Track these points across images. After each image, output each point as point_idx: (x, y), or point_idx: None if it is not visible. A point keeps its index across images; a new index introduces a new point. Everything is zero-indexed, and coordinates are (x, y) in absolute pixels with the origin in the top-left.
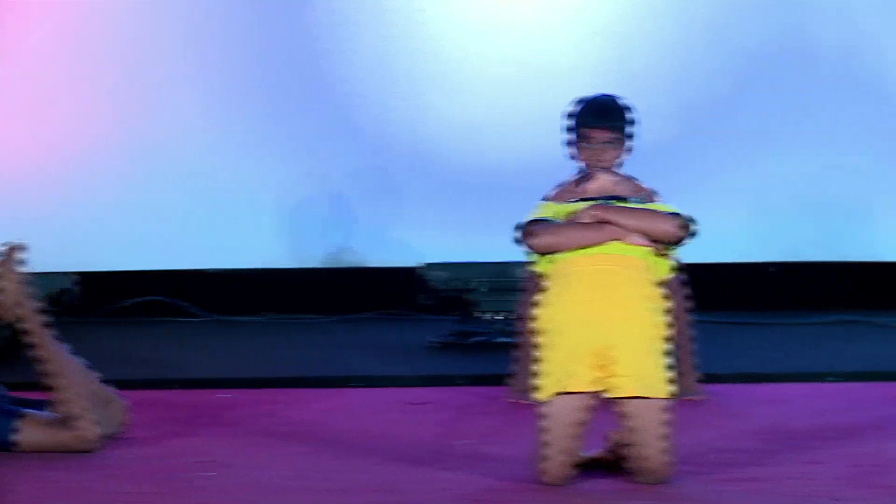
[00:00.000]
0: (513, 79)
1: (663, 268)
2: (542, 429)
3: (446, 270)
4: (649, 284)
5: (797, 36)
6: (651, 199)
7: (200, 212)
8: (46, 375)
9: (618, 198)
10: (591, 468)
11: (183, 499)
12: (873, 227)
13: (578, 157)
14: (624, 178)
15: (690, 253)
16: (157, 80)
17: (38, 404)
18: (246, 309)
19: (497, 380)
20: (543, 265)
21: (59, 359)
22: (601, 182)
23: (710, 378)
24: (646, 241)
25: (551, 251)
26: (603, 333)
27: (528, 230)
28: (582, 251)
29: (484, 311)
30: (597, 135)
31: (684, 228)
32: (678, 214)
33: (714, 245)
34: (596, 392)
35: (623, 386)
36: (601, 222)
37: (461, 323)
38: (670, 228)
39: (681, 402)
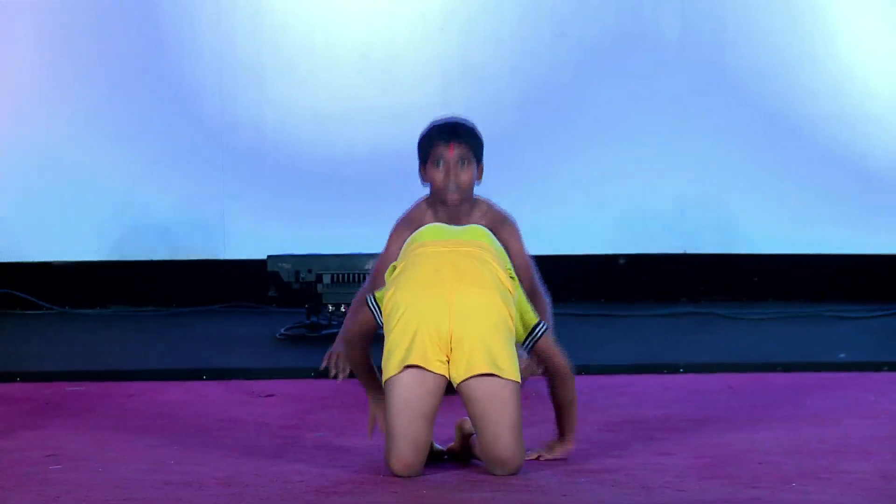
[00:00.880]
0: (358, 69)
1: (530, 319)
2: (391, 417)
3: (293, 262)
4: (499, 269)
5: (641, 25)
6: (512, 230)
7: (44, 203)
8: None
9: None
10: (441, 460)
11: (30, 493)
12: (726, 218)
13: (431, 178)
14: (480, 202)
15: (539, 245)
16: None
17: None
18: (92, 301)
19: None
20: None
21: None
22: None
23: None
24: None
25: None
26: (451, 312)
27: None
28: (437, 236)
29: (331, 303)
30: (450, 153)
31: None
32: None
33: (561, 237)
34: (443, 377)
35: (470, 363)
36: None
37: (309, 315)
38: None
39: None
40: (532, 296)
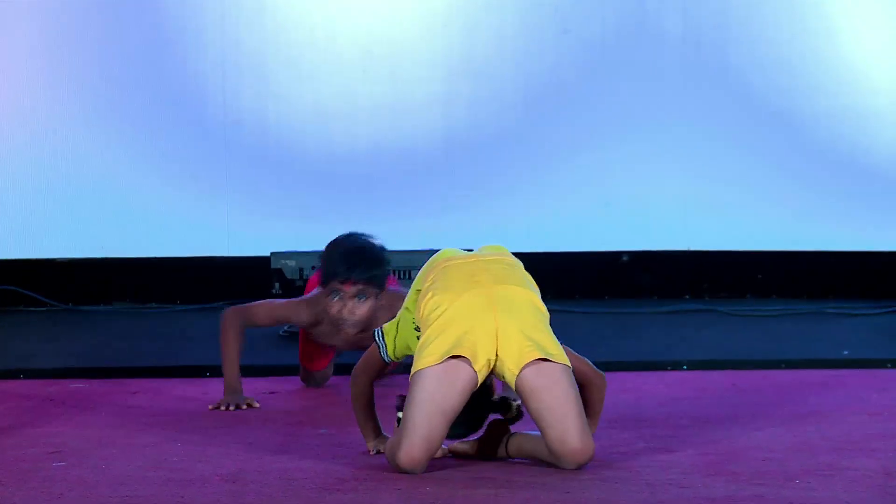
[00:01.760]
0: (361, 66)
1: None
2: (411, 408)
3: (296, 259)
4: (523, 271)
5: (644, 22)
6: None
7: (47, 199)
8: None
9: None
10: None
11: (33, 490)
12: (729, 215)
13: (328, 307)
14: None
15: (542, 242)
16: None
17: None
18: (96, 298)
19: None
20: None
21: None
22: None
23: None
24: None
25: None
26: (495, 309)
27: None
28: (459, 254)
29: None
30: (346, 288)
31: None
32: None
33: (565, 234)
34: (475, 379)
35: (521, 354)
36: None
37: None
38: None
39: None
40: None
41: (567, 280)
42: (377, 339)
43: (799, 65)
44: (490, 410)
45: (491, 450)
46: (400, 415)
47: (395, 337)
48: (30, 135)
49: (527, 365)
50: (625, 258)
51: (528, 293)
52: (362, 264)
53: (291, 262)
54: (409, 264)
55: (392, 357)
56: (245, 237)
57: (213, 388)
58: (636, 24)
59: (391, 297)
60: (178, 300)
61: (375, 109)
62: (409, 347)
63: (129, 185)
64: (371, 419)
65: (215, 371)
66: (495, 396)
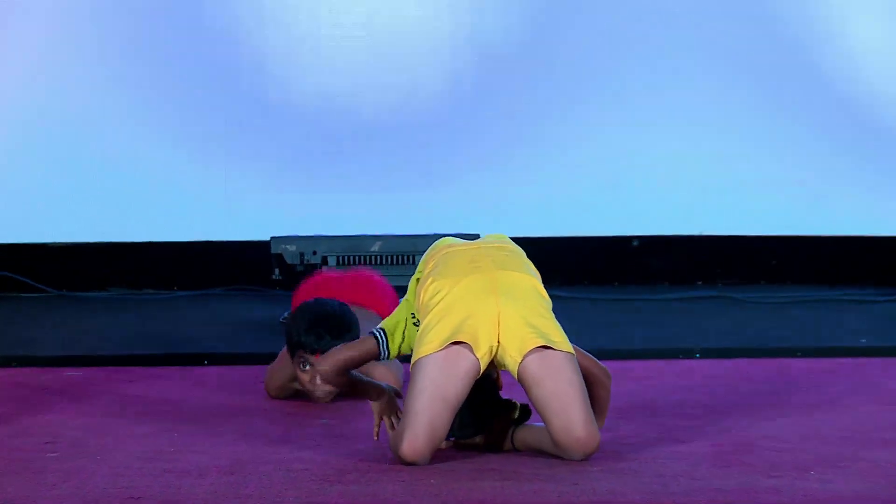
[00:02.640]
0: (364, 44)
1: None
2: (412, 396)
3: (297, 244)
4: (525, 258)
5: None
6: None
7: (39, 183)
8: None
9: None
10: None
11: (28, 481)
12: (743, 199)
13: (297, 377)
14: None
15: (549, 226)
16: None
17: None
18: (90, 284)
19: None
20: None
21: None
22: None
23: None
24: None
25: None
26: (496, 295)
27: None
28: (460, 242)
29: None
30: (316, 358)
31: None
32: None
33: (573, 218)
34: (478, 366)
35: (523, 341)
36: None
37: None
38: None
39: None
40: None
41: (574, 265)
42: (378, 337)
43: (817, 43)
44: (498, 410)
45: (497, 442)
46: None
47: (403, 337)
48: (15, 117)
49: (529, 352)
50: (635, 243)
51: (530, 279)
52: (331, 332)
53: (292, 247)
54: (413, 249)
55: (392, 356)
56: (245, 220)
57: (210, 377)
58: (649, 3)
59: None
60: (175, 286)
61: (379, 88)
62: (410, 346)
63: (124, 166)
64: (364, 384)
65: (213, 359)
66: (507, 399)
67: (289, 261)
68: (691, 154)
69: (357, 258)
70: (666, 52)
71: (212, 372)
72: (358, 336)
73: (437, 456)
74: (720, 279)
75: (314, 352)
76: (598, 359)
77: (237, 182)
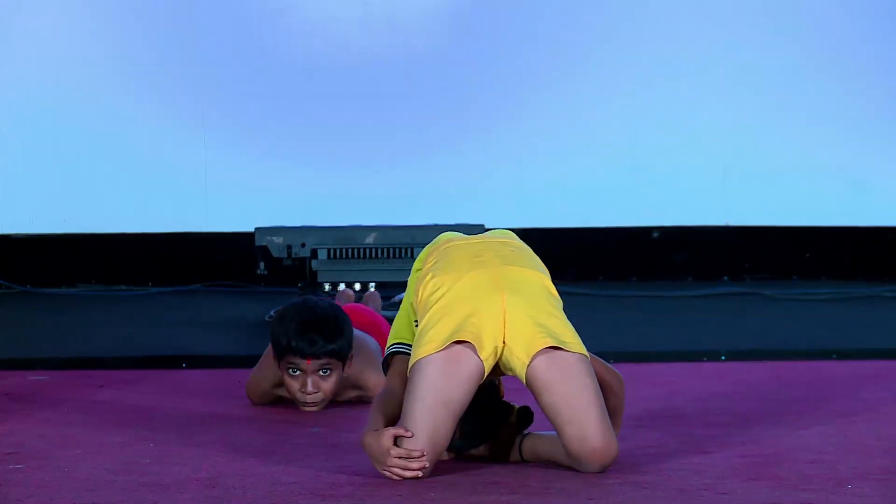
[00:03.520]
0: (357, 17)
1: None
2: (409, 403)
3: (284, 236)
4: (533, 254)
5: None
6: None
7: (1, 170)
8: None
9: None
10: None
11: None
12: (774, 186)
13: (285, 384)
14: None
15: (561, 217)
16: None
17: None
18: (57, 279)
19: None
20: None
21: None
22: None
23: None
24: None
25: None
26: (501, 291)
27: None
28: (462, 237)
29: (328, 282)
30: (307, 364)
31: None
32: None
33: (587, 207)
34: (482, 369)
35: (531, 342)
36: None
37: (303, 294)
38: None
39: None
40: None
41: (589, 259)
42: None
43: (853, 13)
44: (502, 416)
45: (503, 452)
46: None
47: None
48: None
49: (538, 353)
50: (655, 234)
51: (539, 275)
52: (324, 335)
53: (278, 239)
54: (412, 241)
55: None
56: (226, 210)
57: (190, 381)
58: None
59: (358, 367)
60: (150, 281)
61: (373, 65)
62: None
63: (93, 150)
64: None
65: (192, 361)
66: (507, 402)
67: (275, 254)
68: (717, 136)
69: (350, 251)
70: (691, 25)
71: (191, 376)
72: (351, 339)
73: (438, 468)
74: (749, 274)
75: (306, 357)
76: (615, 362)
77: (217, 167)
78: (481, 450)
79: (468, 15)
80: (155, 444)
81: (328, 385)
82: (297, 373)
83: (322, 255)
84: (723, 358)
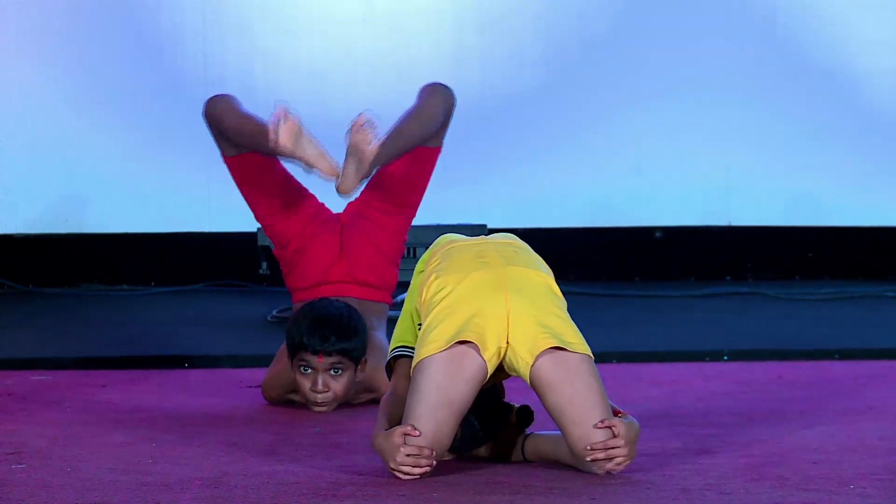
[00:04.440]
0: (361, 18)
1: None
2: (412, 403)
3: None
4: (536, 255)
5: None
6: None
7: (4, 170)
8: None
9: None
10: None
11: None
12: (776, 186)
13: (297, 382)
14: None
15: (564, 217)
16: None
17: None
18: (60, 279)
19: None
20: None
21: None
22: None
23: None
24: None
25: None
26: (505, 291)
27: None
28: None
29: None
30: (318, 361)
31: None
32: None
33: (590, 207)
34: (485, 369)
35: (534, 342)
36: None
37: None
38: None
39: None
40: None
41: (591, 259)
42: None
43: (852, 19)
44: (504, 416)
45: (505, 452)
46: None
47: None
48: None
49: (542, 354)
50: (657, 234)
51: (542, 276)
52: (337, 333)
53: None
54: (414, 241)
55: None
56: (228, 210)
57: (192, 380)
58: None
59: (371, 369)
60: (152, 281)
61: (377, 67)
62: None
63: (96, 151)
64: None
65: (194, 361)
66: (507, 402)
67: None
68: (719, 136)
69: None
70: (692, 26)
71: (193, 375)
72: (366, 342)
73: (441, 468)
74: (751, 274)
75: (316, 353)
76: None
77: (219, 167)
78: (483, 450)
79: (470, 16)
80: (157, 443)
81: (339, 385)
82: (309, 371)
83: None
84: (725, 358)
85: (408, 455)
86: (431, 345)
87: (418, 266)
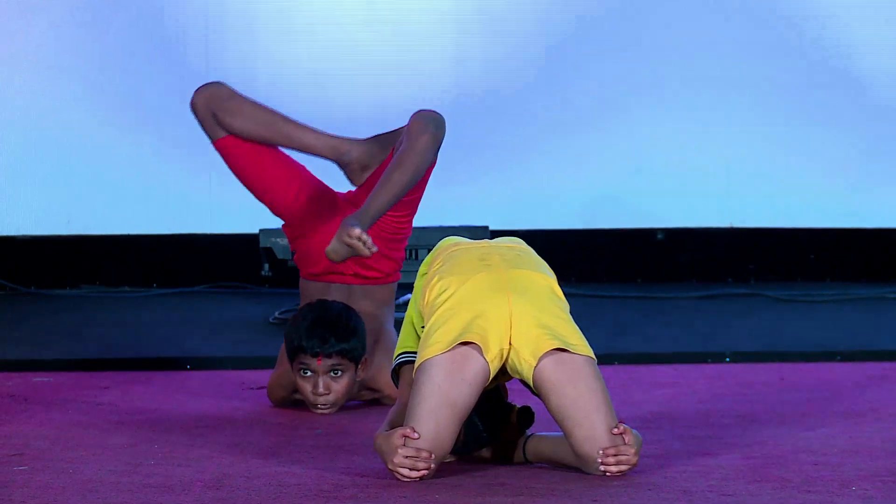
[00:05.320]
0: (362, 20)
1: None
2: (414, 405)
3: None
4: (539, 258)
5: None
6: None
7: (4, 169)
8: None
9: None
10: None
11: None
12: (779, 188)
13: (298, 386)
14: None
15: (564, 218)
16: None
17: None
18: (62, 281)
19: None
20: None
21: None
22: None
23: None
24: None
25: None
26: (508, 293)
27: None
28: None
29: None
30: (318, 363)
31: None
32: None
33: (591, 208)
34: (487, 371)
35: (537, 344)
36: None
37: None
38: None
39: None
40: None
41: (593, 261)
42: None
43: (859, 15)
44: (506, 417)
45: (506, 453)
46: None
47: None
48: None
49: (545, 355)
50: (659, 236)
51: (545, 278)
52: (336, 335)
53: (283, 241)
54: (416, 243)
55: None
56: (230, 212)
57: (194, 382)
58: None
59: (374, 368)
60: (154, 283)
61: (379, 69)
62: None
63: (98, 152)
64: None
65: (196, 363)
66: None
67: (279, 256)
68: (721, 137)
69: None
70: (692, 22)
71: (195, 377)
72: (365, 341)
73: (443, 469)
74: (753, 276)
75: (316, 355)
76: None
77: (223, 169)
78: (485, 451)
79: (471, 16)
80: (159, 445)
81: (340, 387)
82: (309, 374)
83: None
84: (727, 359)
85: (406, 457)
86: (434, 346)
87: (421, 269)
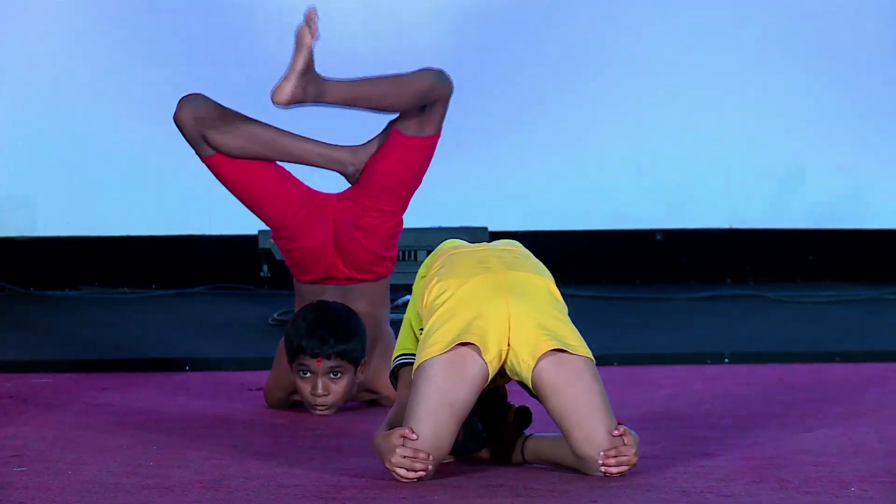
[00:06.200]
0: (360, 17)
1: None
2: (413, 405)
3: None
4: (538, 261)
5: None
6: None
7: (4, 173)
8: None
9: None
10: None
11: None
12: (778, 188)
13: (297, 387)
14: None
15: (564, 219)
16: None
17: None
18: (61, 282)
19: None
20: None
21: None
22: None
23: None
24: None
25: None
26: (506, 295)
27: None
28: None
29: None
30: (317, 365)
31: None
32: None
33: (590, 208)
34: (486, 372)
35: (536, 345)
36: None
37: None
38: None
39: None
40: None
41: (592, 262)
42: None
43: (855, 16)
44: (504, 418)
45: (505, 454)
46: None
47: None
48: None
49: (543, 356)
50: (658, 236)
51: (543, 280)
52: (336, 335)
53: None
54: (416, 244)
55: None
56: (229, 213)
57: (193, 383)
58: None
59: (373, 370)
60: (153, 284)
61: (377, 64)
62: None
63: (96, 152)
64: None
65: (195, 364)
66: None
67: (278, 257)
68: (721, 138)
69: None
70: (696, 28)
71: (194, 378)
72: (365, 343)
73: (441, 470)
74: (752, 276)
75: (315, 356)
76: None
77: None
78: (483, 452)
79: (473, 18)
80: (158, 446)
81: (339, 388)
82: (308, 375)
83: None
84: (726, 360)
85: (404, 457)
86: (433, 347)
87: (420, 271)
